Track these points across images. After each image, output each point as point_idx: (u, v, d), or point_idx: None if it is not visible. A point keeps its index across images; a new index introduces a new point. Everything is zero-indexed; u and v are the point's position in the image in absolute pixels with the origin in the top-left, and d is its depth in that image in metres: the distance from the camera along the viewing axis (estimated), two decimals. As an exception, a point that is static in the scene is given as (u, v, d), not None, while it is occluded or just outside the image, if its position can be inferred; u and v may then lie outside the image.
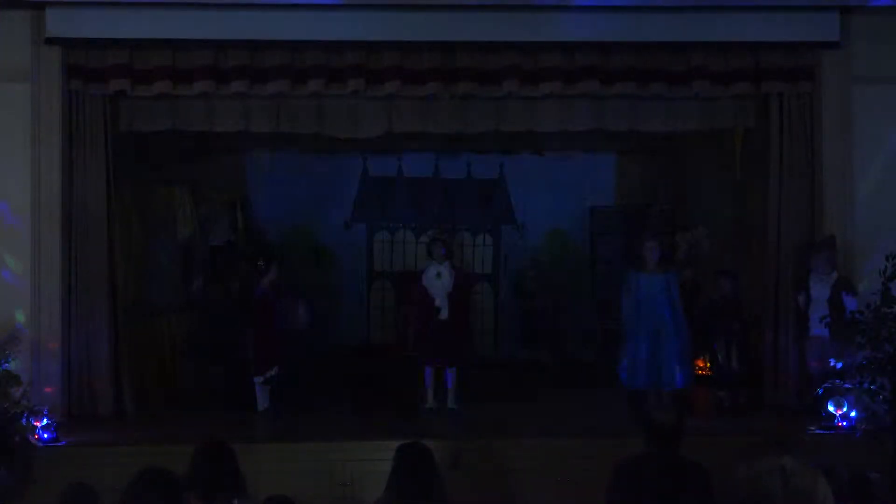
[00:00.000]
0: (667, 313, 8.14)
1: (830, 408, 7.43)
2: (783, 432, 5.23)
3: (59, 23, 7.89)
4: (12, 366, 7.18)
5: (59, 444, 7.07)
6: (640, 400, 8.19)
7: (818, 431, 7.38)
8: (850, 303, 7.71)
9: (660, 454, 4.36)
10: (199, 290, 10.02)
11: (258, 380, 8.43)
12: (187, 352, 9.79)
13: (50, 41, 7.92)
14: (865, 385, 7.16)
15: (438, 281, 8.47)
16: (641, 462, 4.42)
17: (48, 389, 7.63)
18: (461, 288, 8.67)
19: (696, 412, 8.07)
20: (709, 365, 9.31)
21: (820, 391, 7.46)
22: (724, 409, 8.15)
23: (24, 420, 7.00)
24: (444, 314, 8.41)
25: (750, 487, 4.64)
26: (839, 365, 7.49)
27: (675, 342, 8.16)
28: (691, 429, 5.01)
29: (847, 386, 7.31)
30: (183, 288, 9.99)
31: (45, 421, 7.08)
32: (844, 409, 7.39)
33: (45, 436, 7.06)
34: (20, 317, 7.80)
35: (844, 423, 7.37)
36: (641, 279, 8.29)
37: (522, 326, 11.33)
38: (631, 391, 8.30)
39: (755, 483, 4.69)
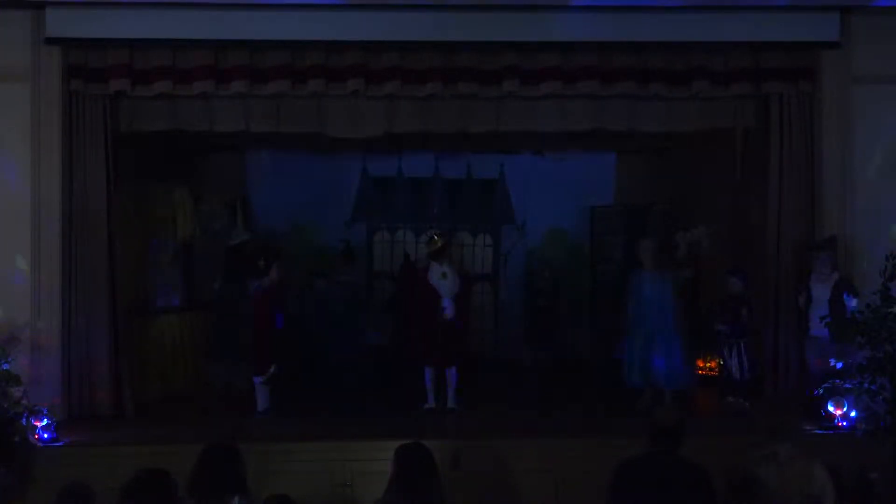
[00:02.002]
0: (662, 312, 8.19)
1: (830, 408, 7.43)
2: (776, 423, 5.23)
3: (59, 23, 7.89)
4: (12, 366, 7.18)
5: (59, 444, 7.07)
6: (639, 398, 8.25)
7: (818, 431, 7.38)
8: (851, 303, 7.71)
9: (661, 454, 4.36)
10: (218, 290, 10.03)
11: (258, 380, 8.43)
12: (211, 353, 9.79)
13: (50, 41, 7.92)
14: (865, 385, 7.16)
15: (444, 281, 8.47)
16: (643, 462, 4.42)
17: (48, 389, 7.62)
18: (463, 288, 8.67)
19: (700, 412, 8.08)
20: (713, 365, 9.33)
21: (820, 391, 7.46)
22: (731, 414, 8.15)
23: (24, 420, 7.00)
24: (449, 314, 8.42)
25: (743, 475, 4.63)
26: (839, 365, 7.49)
27: (672, 341, 8.19)
28: (692, 428, 5.02)
29: (847, 386, 7.31)
30: (184, 288, 9.99)
31: (45, 421, 7.08)
32: (844, 409, 7.39)
33: (45, 436, 7.06)
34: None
35: (844, 423, 7.37)
36: (641, 278, 8.39)
37: (530, 326, 11.32)
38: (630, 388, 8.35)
39: (749, 470, 4.68)
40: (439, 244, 8.69)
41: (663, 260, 8.52)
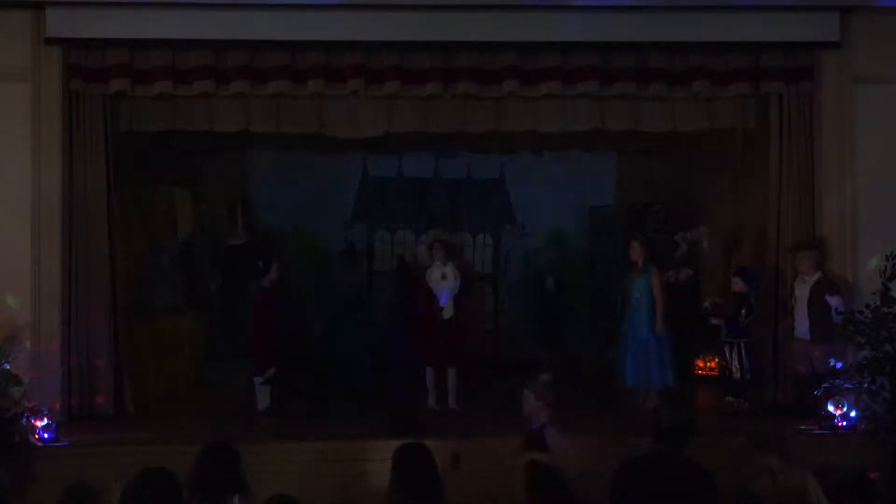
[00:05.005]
0: (645, 312, 8.22)
1: (830, 408, 7.43)
2: (764, 433, 5.25)
3: (59, 23, 7.89)
4: (12, 366, 7.18)
5: (59, 444, 7.07)
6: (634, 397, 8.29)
7: (818, 431, 7.38)
8: (833, 302, 7.72)
9: (665, 454, 4.34)
10: (217, 290, 10.07)
11: (258, 380, 8.44)
12: (208, 352, 9.83)
13: (50, 41, 7.91)
14: (865, 385, 7.16)
15: (444, 282, 8.48)
16: (645, 462, 4.40)
17: (48, 389, 7.61)
18: (463, 288, 8.69)
19: (700, 412, 8.08)
20: (713, 365, 9.34)
21: (818, 391, 7.47)
22: (731, 414, 8.16)
23: (24, 420, 7.00)
24: (448, 314, 8.41)
25: (742, 490, 4.64)
26: (839, 365, 7.49)
27: (655, 340, 8.22)
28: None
29: (847, 386, 7.31)
30: (184, 288, 10.00)
31: (45, 421, 7.08)
32: (844, 409, 7.39)
33: (45, 436, 7.06)
34: (12, 302, 7.76)
35: (844, 423, 7.37)
36: (629, 279, 8.43)
37: (536, 326, 11.32)
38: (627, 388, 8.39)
39: (745, 486, 4.69)
40: (437, 243, 8.69)
41: (650, 260, 8.53)
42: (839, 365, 7.49)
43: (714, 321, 8.51)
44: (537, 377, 5.76)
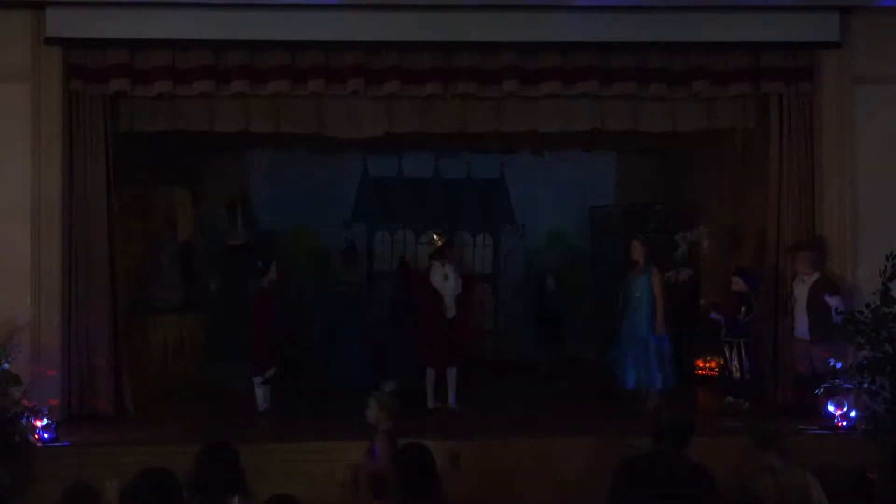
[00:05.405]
0: (646, 312, 8.22)
1: (830, 408, 7.44)
2: (767, 432, 5.28)
3: (59, 23, 7.89)
4: (12, 366, 7.17)
5: (59, 444, 7.07)
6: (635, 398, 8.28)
7: (817, 431, 7.38)
8: (832, 302, 7.72)
9: (665, 455, 4.34)
10: (217, 290, 10.07)
11: (258, 380, 8.44)
12: (207, 352, 9.83)
13: (50, 41, 7.92)
14: (865, 385, 7.17)
15: (447, 283, 8.48)
16: (645, 463, 4.40)
17: (48, 389, 7.61)
18: (464, 289, 8.70)
19: (699, 412, 8.09)
20: (713, 365, 9.33)
21: (818, 391, 7.47)
22: (731, 414, 8.15)
23: (24, 420, 7.00)
24: (450, 314, 8.42)
25: (743, 489, 4.65)
26: (839, 365, 7.50)
27: (655, 341, 8.22)
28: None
29: (847, 386, 7.32)
30: (184, 288, 10.00)
31: (45, 421, 7.09)
32: (844, 409, 7.40)
33: (45, 436, 7.07)
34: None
35: (844, 423, 7.38)
36: (630, 279, 8.43)
37: (537, 327, 11.33)
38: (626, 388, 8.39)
39: (748, 484, 4.70)
40: (439, 244, 8.69)
41: (650, 260, 8.53)
42: (839, 365, 7.49)
43: (714, 316, 8.53)
44: (382, 386, 5.81)
